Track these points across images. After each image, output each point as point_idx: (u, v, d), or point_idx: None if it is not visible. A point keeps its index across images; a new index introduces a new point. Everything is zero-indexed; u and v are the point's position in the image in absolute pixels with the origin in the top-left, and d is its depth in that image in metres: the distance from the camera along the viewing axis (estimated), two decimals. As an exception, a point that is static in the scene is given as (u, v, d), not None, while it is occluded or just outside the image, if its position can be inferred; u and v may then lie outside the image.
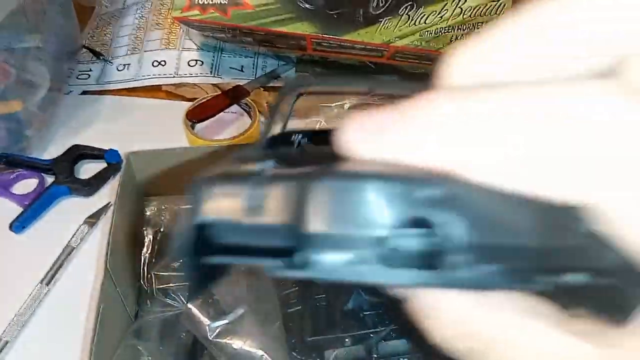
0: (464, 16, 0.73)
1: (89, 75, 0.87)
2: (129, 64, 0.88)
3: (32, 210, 0.67)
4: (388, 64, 0.79)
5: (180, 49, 0.88)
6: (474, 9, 0.72)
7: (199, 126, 0.77)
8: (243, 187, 0.15)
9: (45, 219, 0.68)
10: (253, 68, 0.86)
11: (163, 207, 0.61)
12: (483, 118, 0.13)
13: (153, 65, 0.86)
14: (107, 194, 0.70)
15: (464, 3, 0.71)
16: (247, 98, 0.79)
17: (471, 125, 0.13)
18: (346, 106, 0.72)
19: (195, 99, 0.78)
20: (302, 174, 0.14)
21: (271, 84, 0.84)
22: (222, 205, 0.15)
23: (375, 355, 0.46)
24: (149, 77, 0.85)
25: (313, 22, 0.70)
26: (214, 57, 0.87)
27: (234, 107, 0.79)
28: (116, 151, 0.72)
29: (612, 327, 0.14)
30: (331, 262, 0.14)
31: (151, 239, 0.58)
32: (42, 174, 0.72)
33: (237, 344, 0.43)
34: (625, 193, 0.12)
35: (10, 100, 0.71)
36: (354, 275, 0.14)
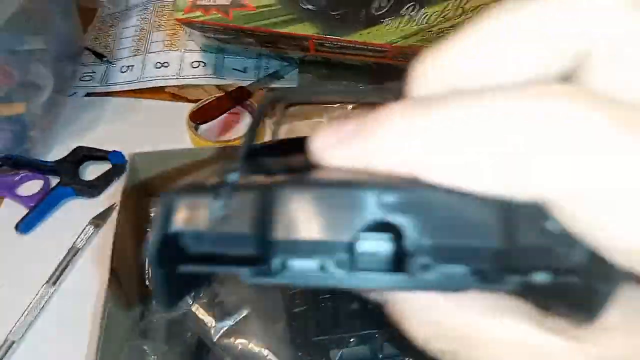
0: (467, 16, 0.73)
1: (92, 77, 0.87)
2: (132, 66, 0.88)
3: (37, 212, 0.67)
4: (391, 64, 0.79)
5: (183, 51, 0.88)
6: (476, 9, 0.73)
7: (202, 127, 0.77)
8: (211, 198, 0.15)
9: (50, 220, 0.68)
10: (256, 69, 0.86)
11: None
12: (442, 125, 0.14)
13: (156, 66, 0.87)
14: (111, 195, 0.71)
15: (466, 3, 0.71)
16: (250, 99, 0.79)
17: (431, 132, 0.14)
18: (349, 107, 0.73)
19: (199, 100, 0.79)
20: (269, 183, 0.15)
21: (274, 85, 0.84)
22: (191, 215, 0.15)
23: (380, 355, 0.46)
24: (152, 78, 0.86)
25: (315, 23, 0.70)
26: (216, 58, 0.87)
27: (237, 108, 0.79)
28: (120, 152, 0.73)
29: (583, 324, 0.14)
30: (300, 268, 0.14)
31: (156, 239, 0.58)
32: (47, 176, 0.72)
33: (242, 344, 0.44)
34: (584, 188, 0.12)
35: (13, 103, 0.71)
36: (324, 280, 0.14)
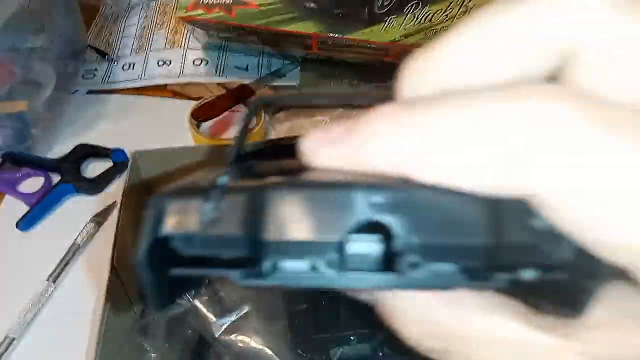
0: (470, 14, 0.72)
1: (95, 75, 0.87)
2: (134, 64, 0.88)
3: (38, 209, 0.67)
4: (393, 62, 0.78)
5: (185, 49, 0.88)
6: (479, 8, 0.72)
7: (204, 125, 0.77)
8: (201, 201, 0.15)
9: (51, 217, 0.68)
10: (258, 67, 0.86)
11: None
12: (429, 124, 0.14)
13: (158, 64, 0.87)
14: (113, 192, 0.71)
15: (469, 1, 0.71)
16: (253, 97, 0.79)
17: (418, 131, 0.14)
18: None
19: (201, 98, 0.79)
20: (259, 185, 0.15)
21: (276, 83, 0.84)
22: (181, 218, 0.15)
23: (381, 354, 0.46)
24: (154, 76, 0.86)
25: (318, 21, 0.70)
26: (219, 56, 0.87)
27: (239, 106, 0.79)
28: (122, 150, 0.73)
29: (569, 320, 0.14)
30: (291, 269, 0.14)
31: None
32: (49, 173, 0.72)
33: (243, 341, 0.43)
34: (569, 186, 0.13)
35: (16, 100, 0.71)
36: (315, 281, 0.14)
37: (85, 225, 0.65)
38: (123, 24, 0.95)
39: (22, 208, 0.68)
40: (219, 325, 0.44)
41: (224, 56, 0.87)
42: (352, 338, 0.46)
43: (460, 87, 0.15)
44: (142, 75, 0.86)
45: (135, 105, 0.83)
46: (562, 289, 0.14)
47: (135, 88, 0.85)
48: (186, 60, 0.87)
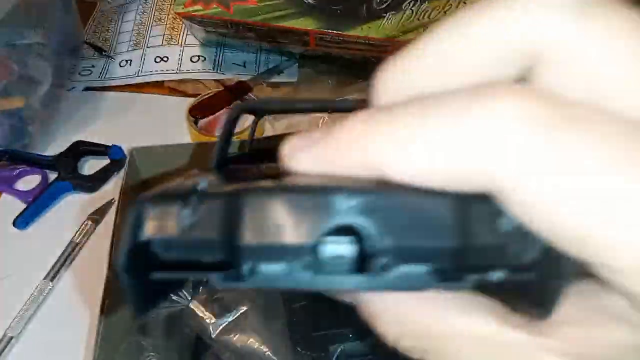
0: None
1: (91, 72, 0.87)
2: (131, 60, 0.87)
3: (35, 207, 0.67)
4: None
5: (183, 45, 0.88)
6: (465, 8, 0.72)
7: (201, 122, 0.76)
8: (180, 206, 0.15)
9: (48, 215, 0.68)
10: (256, 64, 0.86)
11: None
12: (400, 125, 0.15)
13: (155, 61, 0.86)
14: (110, 190, 0.70)
15: (467, -2, 0.71)
16: (250, 94, 0.79)
17: (389, 132, 0.15)
18: (352, 97, 0.72)
19: (198, 94, 0.78)
20: (236, 190, 0.15)
21: (274, 80, 0.84)
22: (161, 223, 0.16)
23: (379, 350, 0.46)
24: (152, 73, 0.85)
25: (316, 17, 0.70)
26: (216, 52, 0.87)
27: (237, 103, 0.79)
28: (119, 147, 0.72)
29: (538, 320, 0.15)
30: (269, 272, 0.15)
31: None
32: (45, 170, 0.72)
33: (241, 340, 0.43)
34: (529, 178, 0.13)
35: (12, 97, 0.71)
36: (291, 283, 0.15)
37: (83, 222, 0.65)
38: (120, 20, 0.94)
39: (19, 206, 0.68)
40: (216, 324, 0.43)
41: (221, 53, 0.87)
42: (350, 335, 0.46)
43: (432, 91, 0.15)
44: (139, 71, 0.86)
45: (133, 102, 0.83)
46: (531, 289, 0.15)
47: (133, 85, 0.85)
48: (183, 56, 0.86)
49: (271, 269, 0.15)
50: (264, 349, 0.43)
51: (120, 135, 0.74)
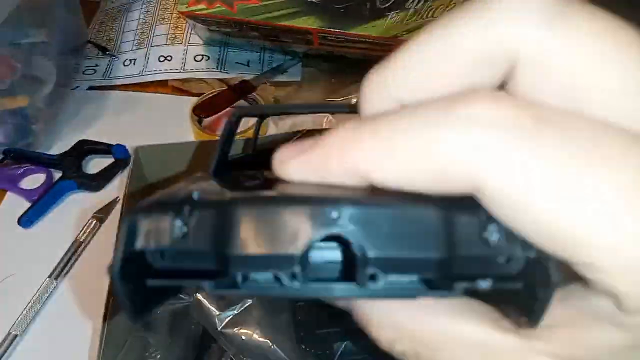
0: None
1: (95, 71, 0.87)
2: (135, 59, 0.88)
3: (40, 205, 0.67)
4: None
5: (187, 44, 0.88)
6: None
7: (205, 121, 0.76)
8: (172, 216, 0.16)
9: (53, 213, 0.68)
10: (259, 63, 0.86)
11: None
12: (384, 133, 0.15)
13: (159, 60, 0.86)
14: (114, 189, 0.71)
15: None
16: (254, 93, 0.79)
17: (374, 139, 0.15)
18: (353, 101, 0.72)
19: (202, 94, 0.78)
20: (226, 200, 0.16)
21: (278, 79, 0.84)
22: (154, 233, 0.16)
23: (381, 350, 0.46)
24: (155, 72, 0.85)
25: (320, 16, 0.70)
26: (220, 51, 0.87)
27: (241, 102, 0.79)
28: (123, 146, 0.73)
29: (526, 327, 0.15)
30: (259, 281, 0.15)
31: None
32: (50, 169, 0.72)
33: (245, 334, 0.43)
34: (504, 177, 0.14)
35: (16, 96, 0.71)
36: (280, 292, 0.15)
37: (87, 221, 0.65)
38: (124, 20, 0.94)
39: (24, 205, 0.68)
40: (222, 318, 0.43)
41: (225, 52, 0.87)
42: (354, 332, 0.46)
43: (415, 99, 0.16)
44: (143, 70, 0.86)
45: (136, 101, 0.83)
46: (517, 298, 0.15)
47: (136, 84, 0.85)
48: (187, 56, 0.86)
49: (262, 277, 0.15)
50: (268, 342, 0.43)
51: (124, 134, 0.74)
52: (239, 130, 0.74)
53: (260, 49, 0.87)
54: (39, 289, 0.59)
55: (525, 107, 0.14)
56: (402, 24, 0.71)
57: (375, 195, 0.15)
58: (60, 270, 0.61)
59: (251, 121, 0.75)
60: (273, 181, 0.17)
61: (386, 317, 0.17)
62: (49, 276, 0.60)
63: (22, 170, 0.72)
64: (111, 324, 0.43)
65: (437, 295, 0.16)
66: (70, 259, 0.62)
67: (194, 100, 0.77)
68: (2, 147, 0.73)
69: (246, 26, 0.74)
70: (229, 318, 0.43)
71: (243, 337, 0.43)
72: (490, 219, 0.15)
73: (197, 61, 0.86)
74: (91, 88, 0.85)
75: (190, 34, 0.89)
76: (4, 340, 0.55)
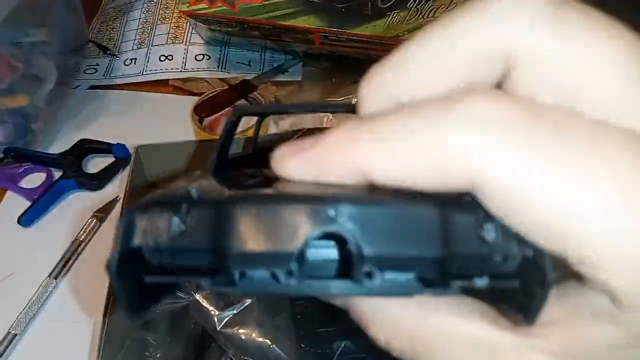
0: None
1: (96, 70, 0.87)
2: (135, 59, 0.88)
3: (40, 204, 0.67)
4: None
5: (187, 43, 0.88)
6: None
7: (206, 120, 0.76)
8: (170, 214, 0.16)
9: (53, 212, 0.68)
10: (260, 62, 0.86)
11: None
12: (382, 131, 0.15)
13: (160, 59, 0.86)
14: (115, 188, 0.70)
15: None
16: (255, 92, 0.79)
17: (373, 137, 0.15)
18: (354, 101, 0.72)
19: (203, 93, 0.78)
20: (224, 199, 0.16)
21: (278, 79, 0.84)
22: (152, 231, 0.16)
23: (380, 349, 0.46)
24: (156, 71, 0.85)
25: (321, 15, 0.70)
26: (221, 51, 0.87)
27: (241, 102, 0.78)
28: (124, 145, 0.72)
29: (526, 325, 0.15)
30: (256, 278, 0.15)
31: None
32: (50, 168, 0.72)
33: (245, 334, 0.43)
34: (500, 172, 0.14)
35: (17, 95, 0.71)
36: (278, 289, 0.15)
37: (87, 220, 0.65)
38: (125, 19, 0.94)
39: (24, 204, 0.68)
40: (221, 317, 0.43)
41: (226, 51, 0.87)
42: (354, 332, 0.46)
43: (413, 99, 0.16)
44: (144, 70, 0.86)
45: (137, 101, 0.83)
46: (514, 296, 0.15)
47: (137, 83, 0.85)
48: (188, 55, 0.86)
49: (259, 275, 0.15)
50: (269, 342, 0.43)
51: (124, 134, 0.74)
52: (239, 130, 0.74)
53: (261, 49, 0.87)
54: (38, 288, 0.59)
55: (524, 106, 0.14)
56: (403, 23, 0.71)
57: (373, 194, 0.15)
58: (60, 270, 0.61)
59: (252, 121, 0.75)
60: (272, 179, 0.17)
61: (384, 315, 0.17)
62: (49, 275, 0.60)
63: (22, 169, 0.71)
64: (111, 323, 0.43)
65: (434, 293, 0.16)
66: (70, 258, 0.62)
67: (194, 99, 0.77)
68: (3, 146, 0.72)
69: (247, 25, 0.74)
70: (228, 318, 0.43)
71: (242, 337, 0.43)
72: (487, 217, 0.15)
73: (198, 60, 0.86)
74: (92, 87, 0.85)
75: (191, 33, 0.89)
76: (3, 340, 0.55)
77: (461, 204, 0.15)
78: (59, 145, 0.75)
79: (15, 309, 0.57)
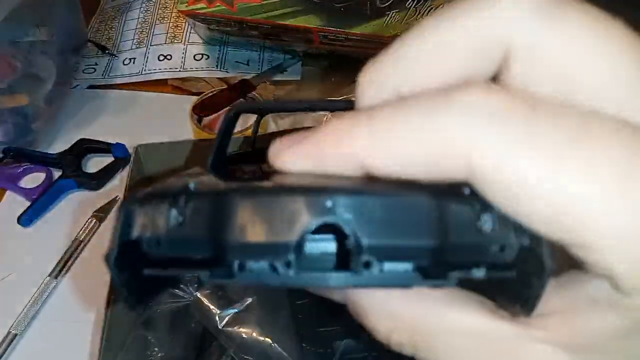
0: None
1: (95, 70, 0.87)
2: (134, 58, 0.88)
3: (39, 204, 0.67)
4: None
5: (186, 43, 0.88)
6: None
7: (205, 120, 0.76)
8: (168, 206, 0.16)
9: (53, 212, 0.68)
10: (259, 62, 0.86)
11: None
12: (379, 122, 0.15)
13: (159, 59, 0.86)
14: (114, 187, 0.71)
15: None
16: (254, 92, 0.79)
17: (370, 129, 0.15)
18: (353, 99, 0.72)
19: (202, 93, 0.78)
20: (220, 191, 0.16)
21: (277, 78, 0.84)
22: (150, 223, 0.16)
23: (384, 346, 0.46)
24: (155, 71, 0.85)
25: (320, 15, 0.70)
26: (219, 50, 0.87)
27: (240, 101, 0.79)
28: (123, 145, 0.72)
29: (524, 315, 0.15)
30: (254, 270, 0.15)
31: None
32: (50, 168, 0.72)
33: (246, 333, 0.43)
34: (494, 161, 0.14)
35: (16, 94, 0.71)
36: (276, 280, 0.15)
37: (87, 220, 0.65)
38: (124, 19, 0.94)
39: (23, 203, 0.68)
40: (222, 316, 0.43)
41: (224, 51, 0.87)
42: (355, 331, 0.46)
43: (411, 91, 0.16)
44: (143, 69, 0.86)
45: (136, 100, 0.83)
46: (512, 286, 0.15)
47: (136, 83, 0.85)
48: (187, 55, 0.86)
49: (257, 266, 0.15)
50: (269, 341, 0.43)
51: (123, 133, 0.74)
52: (239, 129, 0.74)
53: (260, 48, 0.87)
54: (38, 288, 0.59)
55: (521, 97, 0.15)
56: (401, 23, 0.71)
57: (370, 184, 0.15)
58: (60, 269, 0.61)
59: (251, 120, 0.75)
60: (269, 173, 0.17)
61: (382, 307, 0.17)
62: (49, 275, 0.60)
63: (21, 169, 0.71)
64: (111, 322, 0.43)
65: (432, 284, 0.16)
66: (69, 258, 0.62)
67: (193, 99, 0.77)
68: (2, 145, 0.72)
69: (246, 25, 0.74)
70: (229, 317, 0.44)
71: (244, 336, 0.43)
72: (484, 207, 0.15)
73: (197, 60, 0.86)
74: (91, 87, 0.85)
75: (190, 33, 0.89)
76: (3, 340, 0.55)
77: (458, 194, 0.15)
78: (59, 145, 0.75)
79: (16, 309, 0.57)
